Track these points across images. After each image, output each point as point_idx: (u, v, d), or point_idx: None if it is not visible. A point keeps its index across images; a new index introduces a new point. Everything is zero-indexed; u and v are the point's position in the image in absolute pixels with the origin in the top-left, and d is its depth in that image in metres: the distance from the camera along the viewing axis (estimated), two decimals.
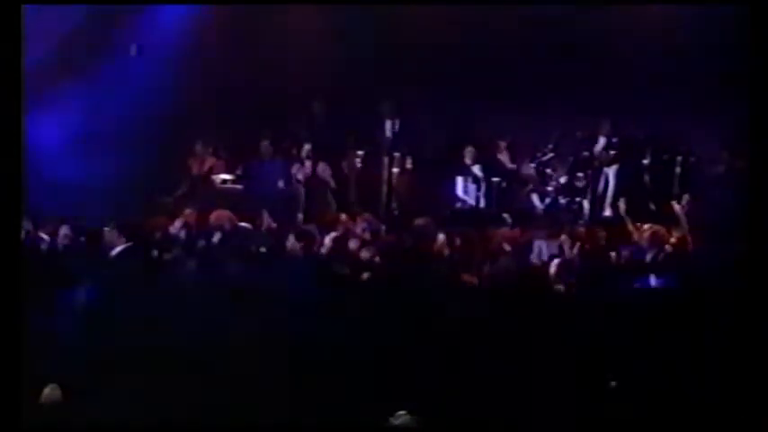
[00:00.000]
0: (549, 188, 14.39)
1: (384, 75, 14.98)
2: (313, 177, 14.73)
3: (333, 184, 14.74)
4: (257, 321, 9.26)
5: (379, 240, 12.01)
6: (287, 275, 10.59)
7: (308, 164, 14.73)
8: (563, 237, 11.82)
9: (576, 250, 11.51)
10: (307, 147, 14.82)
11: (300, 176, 14.71)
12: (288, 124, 15.36)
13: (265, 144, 14.98)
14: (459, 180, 14.61)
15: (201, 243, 12.31)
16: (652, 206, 13.62)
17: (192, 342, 9.01)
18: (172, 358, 8.82)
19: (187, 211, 13.32)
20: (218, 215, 12.74)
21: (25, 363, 7.56)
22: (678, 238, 11.36)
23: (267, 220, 13.08)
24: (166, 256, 11.21)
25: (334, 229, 12.34)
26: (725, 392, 7.98)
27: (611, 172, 14.16)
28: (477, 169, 14.57)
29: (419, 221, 12.28)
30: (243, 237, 12.45)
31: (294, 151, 14.96)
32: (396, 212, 14.34)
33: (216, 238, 12.43)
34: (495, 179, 14.51)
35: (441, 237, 11.84)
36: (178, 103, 14.96)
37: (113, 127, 14.67)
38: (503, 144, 14.82)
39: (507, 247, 11.87)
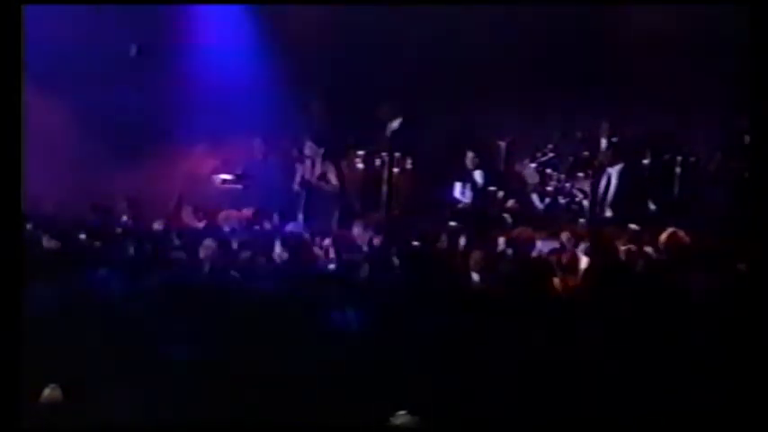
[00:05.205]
0: (549, 188, 14.40)
1: (384, 75, 14.98)
2: (313, 177, 14.73)
3: (332, 183, 14.74)
4: (257, 322, 9.27)
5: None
6: (284, 276, 10.62)
7: (308, 164, 14.73)
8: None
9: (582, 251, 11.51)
10: (306, 146, 14.82)
11: (300, 177, 14.71)
12: (287, 124, 15.37)
13: (264, 144, 15.01)
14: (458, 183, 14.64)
15: (204, 242, 12.32)
16: (652, 206, 13.63)
17: (192, 341, 9.02)
18: (172, 358, 8.83)
19: (187, 210, 13.35)
20: (226, 215, 12.87)
21: (25, 363, 7.55)
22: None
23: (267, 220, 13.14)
24: (170, 256, 11.20)
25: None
26: (726, 396, 7.99)
27: (611, 172, 14.15)
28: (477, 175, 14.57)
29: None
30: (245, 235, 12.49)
31: (294, 151, 14.97)
32: (396, 212, 14.36)
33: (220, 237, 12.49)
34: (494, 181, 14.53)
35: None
36: (177, 102, 14.98)
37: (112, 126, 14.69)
38: (503, 144, 14.85)
39: (507, 248, 11.89)
